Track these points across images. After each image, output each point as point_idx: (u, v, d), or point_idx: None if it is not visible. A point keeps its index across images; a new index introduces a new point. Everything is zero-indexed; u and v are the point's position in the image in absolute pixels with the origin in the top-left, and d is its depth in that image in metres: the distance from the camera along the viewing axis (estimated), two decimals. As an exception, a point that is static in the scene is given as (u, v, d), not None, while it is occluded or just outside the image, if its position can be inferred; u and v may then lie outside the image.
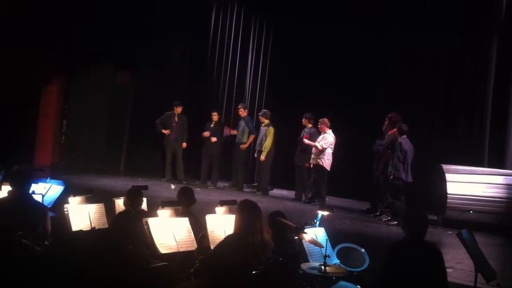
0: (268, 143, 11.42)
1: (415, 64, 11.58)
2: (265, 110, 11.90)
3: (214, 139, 11.88)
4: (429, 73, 11.45)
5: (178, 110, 12.11)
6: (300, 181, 11.24)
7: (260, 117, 11.82)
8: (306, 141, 10.73)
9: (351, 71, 11.73)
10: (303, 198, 11.05)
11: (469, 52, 10.94)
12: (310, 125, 11.13)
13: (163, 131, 12.06)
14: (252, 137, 11.87)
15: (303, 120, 11.20)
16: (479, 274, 4.79)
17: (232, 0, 13.62)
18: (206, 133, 11.93)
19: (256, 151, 11.82)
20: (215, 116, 12.08)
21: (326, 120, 10.64)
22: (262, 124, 11.71)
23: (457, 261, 6.82)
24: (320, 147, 10.46)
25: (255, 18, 13.50)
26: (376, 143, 10.19)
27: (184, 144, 12.15)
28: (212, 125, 12.03)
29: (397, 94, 11.31)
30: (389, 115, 9.80)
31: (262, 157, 11.44)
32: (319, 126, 10.67)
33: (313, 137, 10.87)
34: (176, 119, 12.10)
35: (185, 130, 12.19)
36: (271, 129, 11.47)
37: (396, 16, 11.35)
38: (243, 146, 11.82)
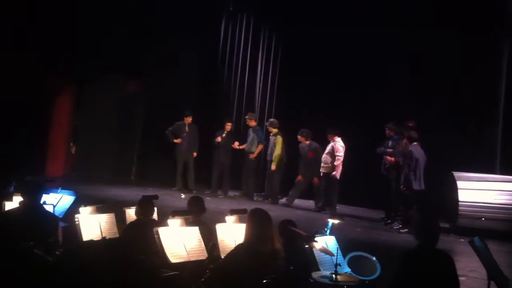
0: (277, 152, 11.42)
1: (424, 68, 11.52)
2: (272, 119, 11.95)
3: (219, 139, 11.91)
4: (439, 78, 11.39)
5: (189, 120, 12.15)
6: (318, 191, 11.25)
7: (268, 126, 11.86)
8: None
9: (361, 77, 11.72)
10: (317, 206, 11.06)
11: (480, 57, 10.87)
12: (308, 142, 11.15)
13: (175, 140, 12.10)
14: (260, 146, 11.88)
15: (298, 137, 11.26)
16: (492, 282, 4.75)
17: (242, 9, 13.66)
18: (219, 138, 11.97)
19: (268, 161, 11.81)
20: (228, 126, 12.10)
21: (335, 128, 10.64)
22: (271, 134, 11.75)
23: (469, 269, 6.77)
24: (338, 161, 10.43)
25: (265, 26, 13.53)
26: (377, 151, 10.18)
27: (195, 154, 12.19)
28: (224, 134, 12.04)
29: (407, 99, 11.28)
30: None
31: (273, 167, 11.44)
32: (328, 135, 10.66)
33: (317, 151, 10.95)
34: (186, 128, 12.13)
35: (196, 140, 12.22)
36: (279, 138, 11.49)
37: (406, 16, 11.30)
38: (252, 156, 11.83)
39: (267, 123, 11.96)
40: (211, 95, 13.65)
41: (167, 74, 13.11)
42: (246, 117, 12.19)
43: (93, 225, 5.84)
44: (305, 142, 11.26)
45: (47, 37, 11.64)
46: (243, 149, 12.06)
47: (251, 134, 11.98)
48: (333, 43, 11.97)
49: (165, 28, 12.92)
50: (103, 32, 12.49)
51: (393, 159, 9.73)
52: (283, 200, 11.55)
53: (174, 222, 5.20)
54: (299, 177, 11.34)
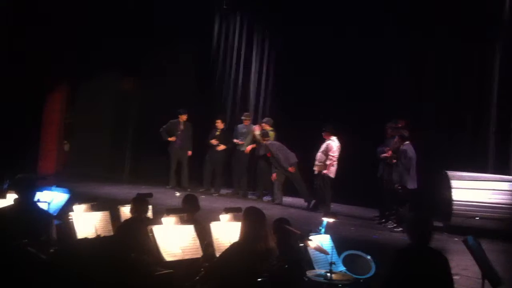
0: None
1: (419, 69, 11.54)
2: (268, 118, 12.03)
3: (222, 147, 11.89)
4: (433, 78, 11.41)
5: (183, 117, 12.12)
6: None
7: (263, 124, 11.87)
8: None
9: (355, 76, 11.69)
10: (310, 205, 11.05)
11: (474, 57, 10.89)
12: (264, 142, 11.30)
13: (169, 138, 12.06)
14: (254, 145, 11.91)
15: None
16: (485, 281, 4.76)
17: (235, 8, 13.65)
18: (214, 141, 11.93)
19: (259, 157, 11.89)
20: (219, 124, 12.08)
21: (331, 127, 10.64)
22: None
23: (463, 268, 6.79)
24: (331, 160, 10.43)
25: (259, 24, 13.51)
26: (378, 151, 10.18)
27: (190, 152, 12.16)
28: (217, 132, 12.02)
29: (401, 99, 11.29)
30: (397, 122, 9.81)
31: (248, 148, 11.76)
32: (323, 133, 10.65)
33: (269, 151, 11.20)
34: (181, 126, 12.11)
35: (190, 138, 12.20)
36: (272, 134, 11.60)
37: (405, 16, 11.30)
38: (246, 150, 11.87)
39: (264, 120, 11.96)
40: (205, 93, 13.63)
41: (161, 72, 13.10)
42: (243, 117, 12.20)
43: (88, 223, 5.83)
44: (262, 143, 11.41)
45: (42, 36, 11.60)
46: (234, 148, 12.05)
47: (245, 133, 11.97)
48: (329, 43, 11.93)
49: (160, 27, 12.89)
50: (98, 31, 12.45)
51: (390, 152, 9.68)
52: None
53: (169, 220, 5.19)
54: (273, 175, 11.37)
